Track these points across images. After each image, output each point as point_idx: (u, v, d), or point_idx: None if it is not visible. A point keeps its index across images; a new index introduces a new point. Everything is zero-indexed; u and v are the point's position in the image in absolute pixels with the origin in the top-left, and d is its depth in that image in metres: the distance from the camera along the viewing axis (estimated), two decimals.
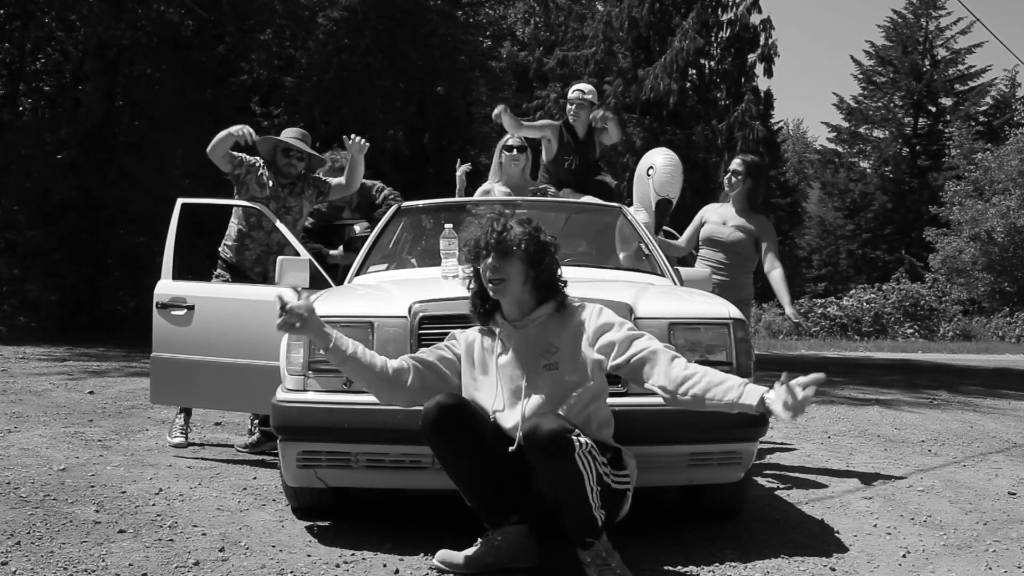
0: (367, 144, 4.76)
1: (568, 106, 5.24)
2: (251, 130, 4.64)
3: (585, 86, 5.32)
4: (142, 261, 13.73)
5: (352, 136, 4.74)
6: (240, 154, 4.80)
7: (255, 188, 4.78)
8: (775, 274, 4.64)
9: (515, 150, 4.91)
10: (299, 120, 15.78)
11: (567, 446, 2.47)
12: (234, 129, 4.64)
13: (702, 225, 4.82)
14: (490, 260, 2.67)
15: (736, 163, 4.80)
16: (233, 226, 4.89)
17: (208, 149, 4.72)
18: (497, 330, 2.77)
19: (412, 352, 2.94)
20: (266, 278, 4.66)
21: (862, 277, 33.32)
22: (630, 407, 2.92)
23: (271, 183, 4.78)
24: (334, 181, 4.90)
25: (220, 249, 4.94)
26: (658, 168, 4.72)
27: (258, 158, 4.86)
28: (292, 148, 4.80)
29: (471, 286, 2.80)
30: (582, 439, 2.51)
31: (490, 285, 2.68)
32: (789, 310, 4.68)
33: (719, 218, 4.77)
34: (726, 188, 4.80)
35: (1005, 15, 74.48)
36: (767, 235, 4.71)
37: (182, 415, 4.86)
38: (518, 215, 2.79)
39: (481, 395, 2.75)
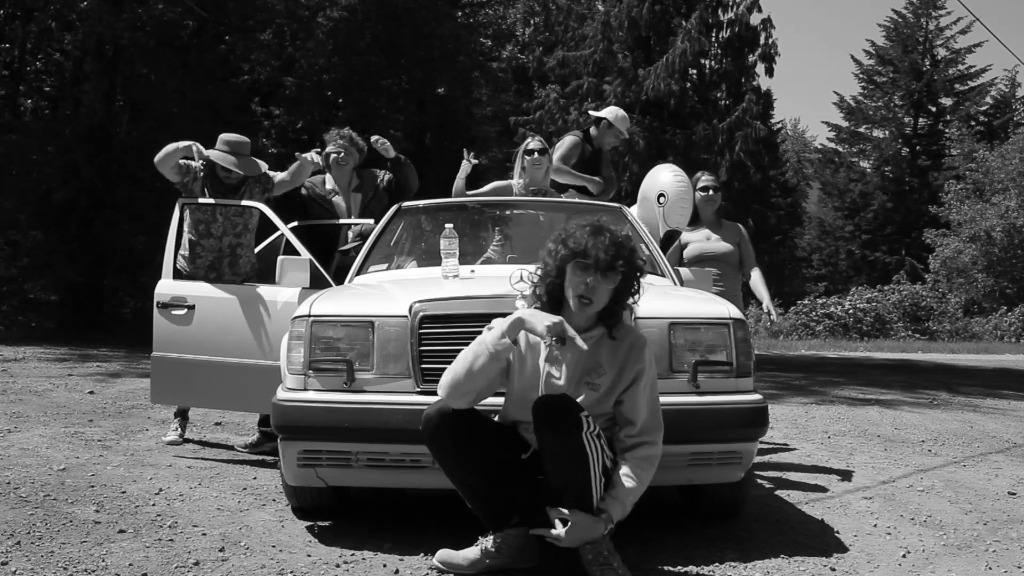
0: (317, 162, 4.86)
1: (606, 134, 5.44)
2: (200, 146, 4.66)
3: (627, 123, 5.56)
4: (142, 261, 13.72)
5: (311, 154, 4.83)
6: (186, 162, 4.77)
7: (202, 195, 4.76)
8: (755, 277, 4.91)
9: (536, 153, 4.88)
10: (299, 120, 15.81)
11: (576, 422, 2.51)
12: (182, 144, 4.66)
13: (684, 247, 4.88)
14: (591, 279, 2.57)
15: (710, 179, 4.92)
16: (184, 236, 4.80)
17: (156, 160, 4.71)
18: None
19: (412, 352, 2.96)
20: (220, 282, 4.61)
21: (862, 278, 33.30)
22: None
23: (209, 191, 4.76)
24: (278, 177, 4.87)
25: (176, 262, 4.82)
26: (670, 198, 4.61)
27: (201, 163, 4.80)
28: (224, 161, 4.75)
29: (539, 280, 2.70)
30: (592, 420, 2.54)
31: (581, 300, 2.59)
32: (768, 304, 4.90)
33: (701, 236, 4.88)
34: (702, 203, 4.85)
35: (1005, 15, 74.55)
36: (745, 242, 4.93)
37: (178, 418, 4.87)
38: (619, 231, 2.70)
39: (517, 386, 2.70)
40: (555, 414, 2.52)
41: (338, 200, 5.06)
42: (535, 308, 2.68)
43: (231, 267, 4.79)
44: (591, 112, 5.82)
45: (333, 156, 5.06)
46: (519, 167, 4.95)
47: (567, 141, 5.43)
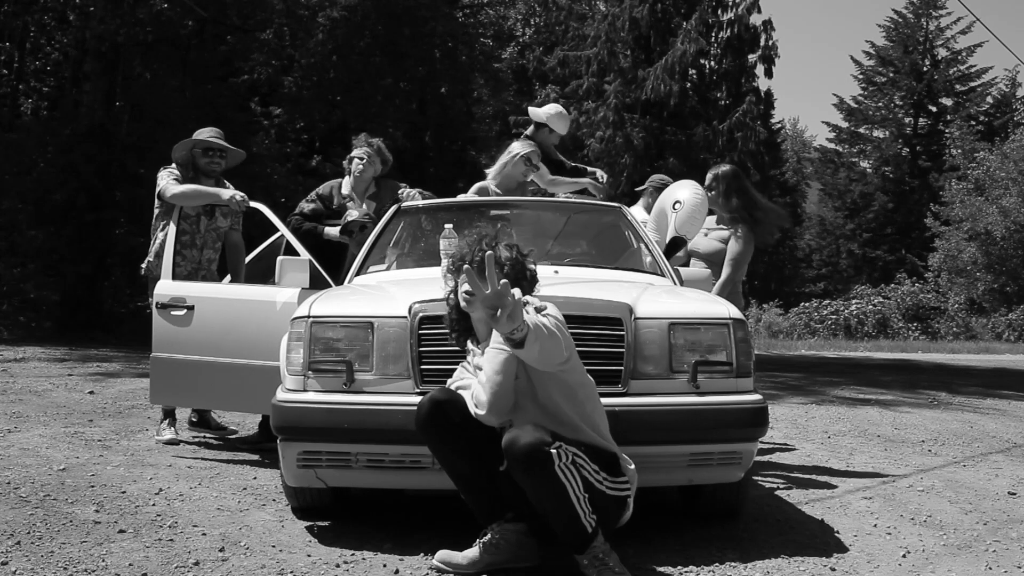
0: (246, 204, 4.66)
1: (546, 136, 5.39)
2: (244, 195, 4.64)
3: (565, 121, 5.41)
4: (143, 261, 13.70)
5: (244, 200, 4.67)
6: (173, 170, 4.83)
7: (188, 208, 4.77)
8: (722, 277, 4.55)
9: (531, 163, 4.86)
10: (299, 120, 15.82)
11: (545, 459, 2.49)
12: (226, 195, 4.64)
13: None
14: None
15: (708, 175, 4.74)
16: (167, 242, 4.70)
17: (175, 192, 4.66)
18: (470, 352, 2.81)
19: (412, 352, 2.96)
20: None
21: (862, 277, 33.29)
22: (630, 407, 2.92)
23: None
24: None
25: (144, 267, 4.91)
26: (685, 206, 4.66)
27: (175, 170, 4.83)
28: (212, 146, 4.85)
29: (450, 300, 2.81)
30: (562, 451, 2.51)
31: (464, 296, 2.69)
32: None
33: (703, 228, 4.77)
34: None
35: (1005, 15, 74.56)
36: (735, 240, 4.57)
37: (167, 419, 4.87)
38: (508, 236, 2.80)
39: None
40: (524, 454, 2.49)
41: (351, 207, 5.03)
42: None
43: (206, 281, 4.80)
44: (530, 110, 5.69)
45: (356, 162, 5.02)
46: (505, 166, 4.87)
47: (529, 149, 4.99)
